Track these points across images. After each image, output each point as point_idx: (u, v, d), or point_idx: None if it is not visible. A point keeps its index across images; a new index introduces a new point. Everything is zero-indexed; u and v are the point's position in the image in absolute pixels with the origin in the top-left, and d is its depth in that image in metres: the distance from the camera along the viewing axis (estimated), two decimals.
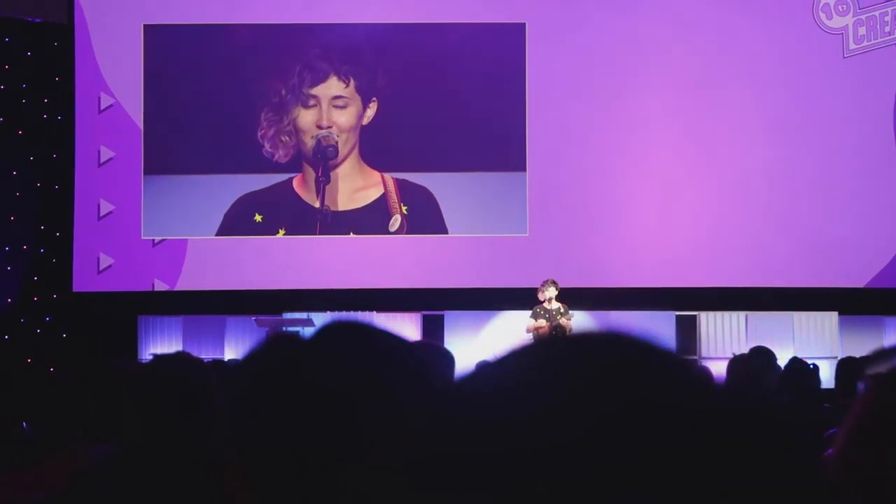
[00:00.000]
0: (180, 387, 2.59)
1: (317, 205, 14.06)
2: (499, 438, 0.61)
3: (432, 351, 2.92)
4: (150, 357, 2.86)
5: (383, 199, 14.16)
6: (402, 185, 14.13)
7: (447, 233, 13.98)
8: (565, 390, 0.62)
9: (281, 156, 14.15)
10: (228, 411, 1.29)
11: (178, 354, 2.82)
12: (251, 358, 1.32)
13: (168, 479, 2.40)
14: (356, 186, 14.17)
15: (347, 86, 14.13)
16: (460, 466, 0.61)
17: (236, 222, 14.03)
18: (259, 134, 14.10)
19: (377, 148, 14.08)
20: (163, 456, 2.50)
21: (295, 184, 14.15)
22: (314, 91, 14.14)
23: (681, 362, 0.67)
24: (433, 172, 14.02)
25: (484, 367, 0.69)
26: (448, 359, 2.76)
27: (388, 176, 14.13)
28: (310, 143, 14.13)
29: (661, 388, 0.63)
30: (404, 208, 14.09)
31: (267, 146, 14.13)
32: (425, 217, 14.03)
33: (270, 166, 14.08)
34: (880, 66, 13.84)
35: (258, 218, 14.00)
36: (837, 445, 1.27)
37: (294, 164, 14.13)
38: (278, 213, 14.03)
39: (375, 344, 1.25)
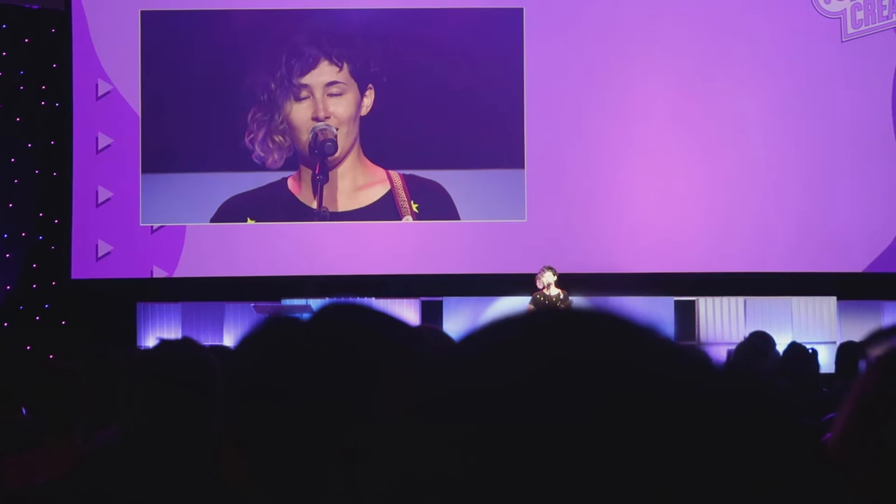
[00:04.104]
0: (186, 371, 2.60)
1: (314, 206, 13.79)
2: (476, 410, 0.60)
3: (431, 334, 2.91)
4: (157, 341, 2.86)
5: (390, 196, 13.74)
6: (410, 182, 13.78)
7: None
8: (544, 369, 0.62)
9: (275, 160, 13.70)
10: (227, 390, 1.30)
11: (183, 340, 2.83)
12: (249, 339, 1.33)
13: (172, 462, 2.40)
14: (358, 184, 13.74)
15: (341, 70, 13.84)
16: (445, 443, 0.60)
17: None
18: (247, 138, 13.75)
19: (375, 142, 13.83)
20: (167, 440, 2.50)
21: (290, 183, 13.80)
22: (305, 80, 13.78)
23: (666, 343, 0.66)
24: (428, 170, 13.80)
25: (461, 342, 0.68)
26: (447, 342, 2.76)
27: (394, 172, 13.79)
28: (306, 138, 13.71)
29: (647, 373, 0.62)
30: (415, 206, 13.75)
31: (257, 150, 13.75)
32: (438, 216, 13.74)
33: (265, 167, 13.84)
34: (878, 50, 13.82)
35: (250, 222, 13.86)
36: (838, 425, 1.27)
37: (290, 166, 13.88)
38: (273, 217, 13.78)
39: (373, 324, 1.25)
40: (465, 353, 0.66)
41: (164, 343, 2.81)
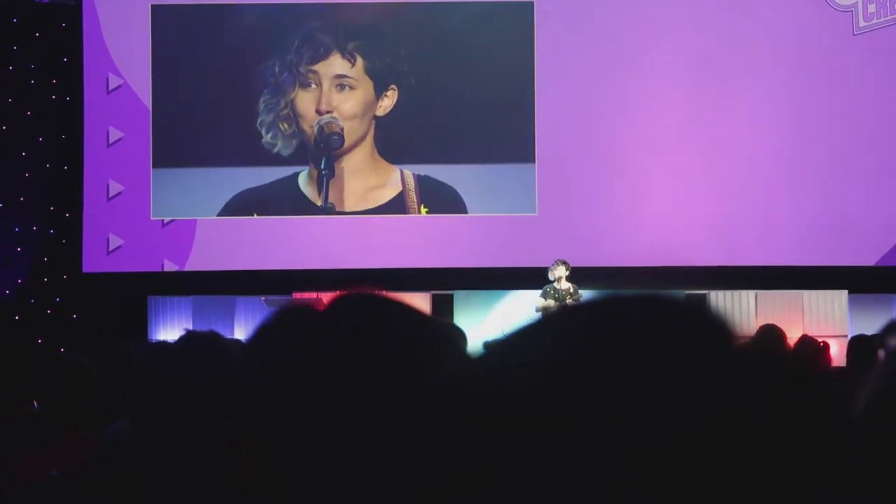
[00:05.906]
0: (212, 364, 2.60)
1: (319, 202, 13.73)
2: (524, 410, 0.60)
3: (444, 327, 2.91)
4: (183, 332, 2.86)
5: (400, 198, 13.69)
6: (423, 183, 13.74)
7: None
8: (588, 363, 0.61)
9: (281, 147, 13.69)
10: (241, 384, 1.29)
11: (210, 333, 2.83)
12: (265, 329, 1.32)
13: (194, 457, 2.40)
14: (370, 184, 13.66)
15: (353, 65, 13.87)
16: (483, 441, 0.60)
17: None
18: (258, 121, 13.75)
19: (389, 138, 13.76)
20: (190, 434, 2.50)
21: (301, 180, 13.76)
22: (314, 68, 13.75)
23: (704, 320, 0.65)
24: (439, 164, 13.78)
25: (499, 343, 0.67)
26: (460, 336, 2.75)
27: (407, 173, 13.75)
28: (310, 130, 13.65)
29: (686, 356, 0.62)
30: (424, 210, 13.72)
31: (267, 136, 13.72)
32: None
33: (276, 158, 13.79)
34: (890, 44, 13.79)
35: (256, 217, 13.79)
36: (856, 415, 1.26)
37: (299, 156, 13.88)
38: (279, 212, 13.69)
39: (389, 314, 1.25)
40: (514, 350, 0.66)
41: (190, 334, 2.81)
